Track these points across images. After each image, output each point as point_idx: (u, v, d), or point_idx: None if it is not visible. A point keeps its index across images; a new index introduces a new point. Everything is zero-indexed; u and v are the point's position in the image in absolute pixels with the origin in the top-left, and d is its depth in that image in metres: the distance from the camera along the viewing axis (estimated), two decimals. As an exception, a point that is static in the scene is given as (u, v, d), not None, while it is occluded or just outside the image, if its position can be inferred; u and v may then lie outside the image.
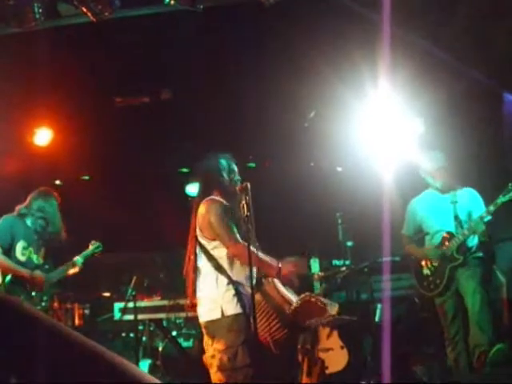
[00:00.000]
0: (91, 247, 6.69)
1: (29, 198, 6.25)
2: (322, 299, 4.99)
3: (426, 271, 6.43)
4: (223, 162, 4.94)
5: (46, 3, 5.65)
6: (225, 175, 4.88)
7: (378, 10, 5.86)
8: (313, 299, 4.64)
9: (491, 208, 6.03)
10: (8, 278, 5.95)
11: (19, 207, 6.19)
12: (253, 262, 4.44)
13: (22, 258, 6.02)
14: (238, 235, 4.64)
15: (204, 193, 4.91)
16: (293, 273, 4.66)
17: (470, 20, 5.98)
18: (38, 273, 6.07)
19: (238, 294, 4.64)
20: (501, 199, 5.93)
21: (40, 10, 5.58)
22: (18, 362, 1.98)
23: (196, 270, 4.81)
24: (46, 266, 6.29)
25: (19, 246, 6.01)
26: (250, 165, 9.78)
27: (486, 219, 6.06)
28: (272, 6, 5.83)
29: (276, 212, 8.70)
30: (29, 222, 6.16)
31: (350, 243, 8.05)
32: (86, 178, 10.20)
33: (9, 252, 5.95)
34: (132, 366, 2.15)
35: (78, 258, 6.50)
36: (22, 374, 1.96)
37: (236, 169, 4.98)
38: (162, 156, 10.00)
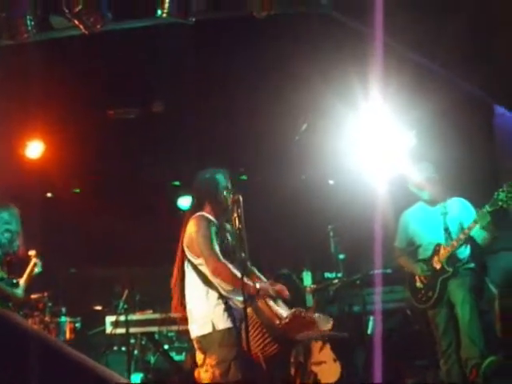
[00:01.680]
0: (33, 262, 6.18)
1: None
2: (315, 314, 4.98)
3: (418, 284, 6.42)
4: (220, 177, 4.96)
5: (39, 16, 5.63)
6: (220, 191, 4.90)
7: (369, 23, 5.88)
8: (302, 314, 4.62)
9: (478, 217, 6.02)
10: None
11: None
12: (231, 280, 4.53)
13: None
14: (219, 254, 4.65)
15: (197, 206, 4.95)
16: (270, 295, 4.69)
17: (462, 33, 6.01)
18: (17, 291, 5.83)
19: (229, 309, 4.66)
20: (487, 209, 5.92)
21: (32, 23, 5.56)
22: (11, 374, 1.97)
23: (182, 283, 4.83)
24: (14, 281, 5.95)
25: None
26: (242, 177, 9.77)
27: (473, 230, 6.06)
28: (264, 19, 5.85)
29: (268, 225, 8.69)
30: None
31: (342, 256, 8.04)
32: (78, 190, 10.17)
33: None
34: (122, 379, 2.14)
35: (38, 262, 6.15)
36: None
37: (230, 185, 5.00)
38: (154, 169, 9.99)
